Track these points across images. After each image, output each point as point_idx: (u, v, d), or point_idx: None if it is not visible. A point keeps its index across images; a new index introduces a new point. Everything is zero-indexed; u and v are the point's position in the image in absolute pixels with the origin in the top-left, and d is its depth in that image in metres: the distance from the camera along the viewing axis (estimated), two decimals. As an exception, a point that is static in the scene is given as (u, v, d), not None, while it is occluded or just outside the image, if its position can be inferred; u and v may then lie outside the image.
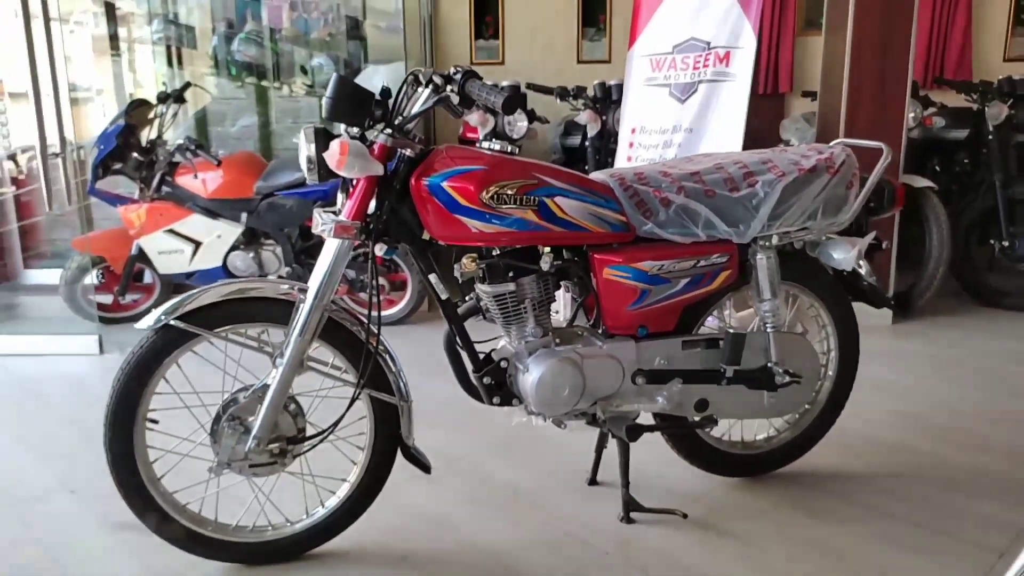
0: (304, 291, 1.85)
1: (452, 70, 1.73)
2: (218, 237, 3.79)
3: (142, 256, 3.90)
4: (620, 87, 4.28)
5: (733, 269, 2.05)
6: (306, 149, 1.80)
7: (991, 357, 3.50)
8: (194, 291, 1.83)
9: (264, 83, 4.78)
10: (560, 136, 4.76)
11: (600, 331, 2.08)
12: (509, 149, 1.91)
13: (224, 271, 3.83)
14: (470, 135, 4.48)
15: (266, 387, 1.86)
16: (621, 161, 3.98)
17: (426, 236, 1.90)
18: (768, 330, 2.13)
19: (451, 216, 1.82)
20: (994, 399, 3.02)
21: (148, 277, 4.22)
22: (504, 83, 4.15)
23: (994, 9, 5.77)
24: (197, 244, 3.81)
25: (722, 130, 3.57)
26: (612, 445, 2.26)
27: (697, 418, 2.17)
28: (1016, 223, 4.23)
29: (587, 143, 4.37)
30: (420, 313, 4.13)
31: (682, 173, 2.02)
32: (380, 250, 1.90)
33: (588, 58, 5.91)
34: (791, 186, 2.00)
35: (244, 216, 3.76)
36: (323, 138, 1.78)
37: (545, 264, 1.96)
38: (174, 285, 4.22)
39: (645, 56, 3.91)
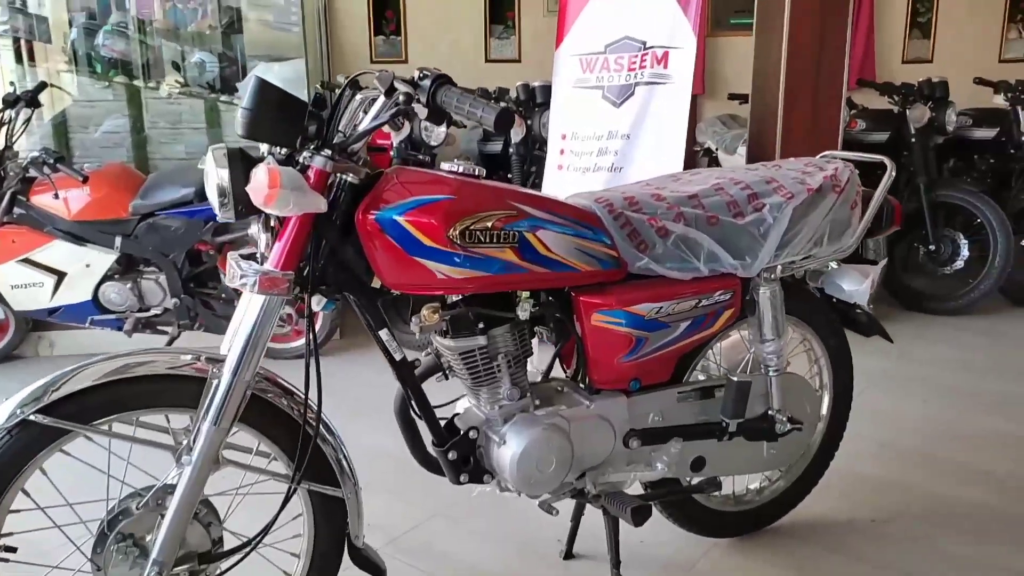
0: (216, 362, 1.41)
1: (418, 74, 1.34)
2: (86, 266, 3.18)
3: (-10, 290, 3.24)
4: (545, 89, 3.95)
5: (736, 307, 1.76)
6: (216, 177, 1.36)
7: (939, 368, 3.41)
8: (63, 373, 1.36)
9: (136, 82, 4.14)
10: (479, 142, 4.39)
11: (583, 385, 1.74)
12: (476, 171, 1.54)
13: (95, 305, 3.23)
14: (380, 142, 4.04)
15: (167, 490, 1.41)
16: (551, 170, 3.66)
17: (376, 284, 1.49)
18: (771, 374, 1.85)
19: (409, 259, 1.43)
20: (965, 418, 2.89)
21: (1, 313, 3.55)
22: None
23: (892, 11, 5.86)
24: (60, 275, 3.19)
25: (662, 136, 3.30)
26: (590, 511, 1.92)
27: (694, 480, 1.87)
28: (939, 226, 4.21)
29: (511, 150, 4.02)
30: (333, 343, 3.66)
31: (678, 196, 1.70)
32: (318, 304, 1.47)
33: (497, 56, 5.57)
34: (799, 209, 1.73)
35: (118, 240, 3.17)
36: (241, 163, 1.35)
37: (524, 312, 1.60)
38: (33, 322, 3.57)
39: (574, 56, 3.60)
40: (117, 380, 1.37)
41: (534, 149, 4.02)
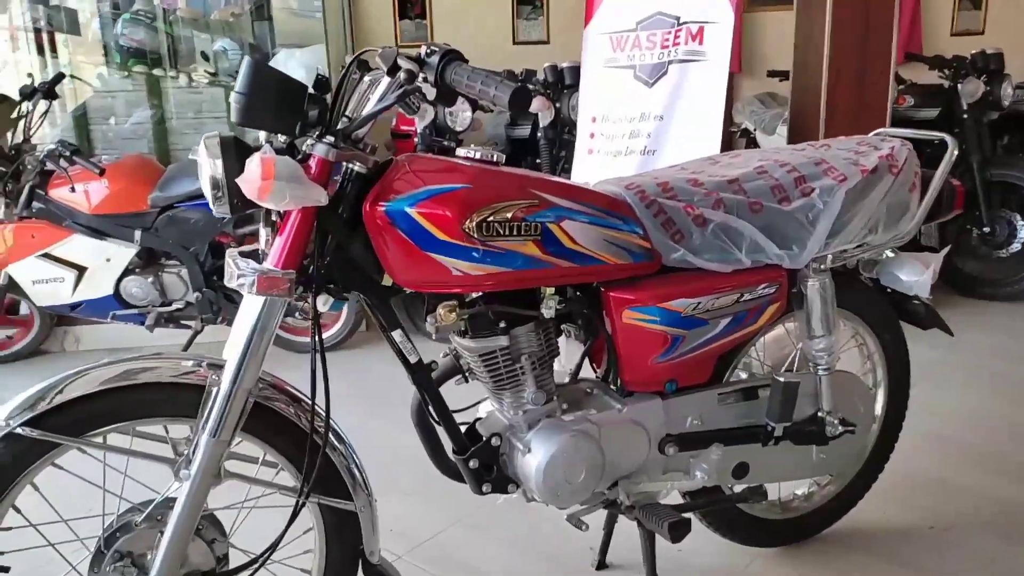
0: (217, 369, 1.31)
1: (425, 50, 1.21)
2: (107, 261, 3.12)
3: (13, 286, 3.20)
4: (574, 70, 3.79)
5: (782, 300, 1.61)
6: (210, 168, 1.25)
7: (996, 357, 3.21)
8: (57, 380, 1.27)
9: (156, 72, 4.07)
10: (506, 126, 4.24)
11: (615, 386, 1.61)
12: (494, 157, 1.41)
13: (116, 300, 3.17)
14: (404, 128, 3.93)
15: (167, 504, 1.31)
16: (581, 154, 3.51)
17: (387, 281, 1.38)
18: (820, 373, 1.70)
19: (423, 254, 1.31)
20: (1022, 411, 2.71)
21: (25, 307, 3.53)
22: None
23: (941, -18, 5.57)
24: (81, 270, 3.13)
25: (698, 117, 3.14)
26: (623, 519, 1.79)
27: (737, 488, 1.73)
28: (994, 207, 3.98)
29: (539, 134, 3.87)
30: (359, 334, 3.57)
31: (717, 181, 1.56)
32: (324, 304, 1.36)
33: (525, 39, 5.40)
34: (853, 192, 1.57)
35: (138, 234, 3.11)
36: (234, 153, 1.24)
37: (548, 310, 1.47)
38: (58, 317, 3.55)
39: (604, 34, 3.44)
40: (112, 389, 1.28)
41: (563, 133, 3.87)
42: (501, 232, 1.33)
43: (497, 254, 1.34)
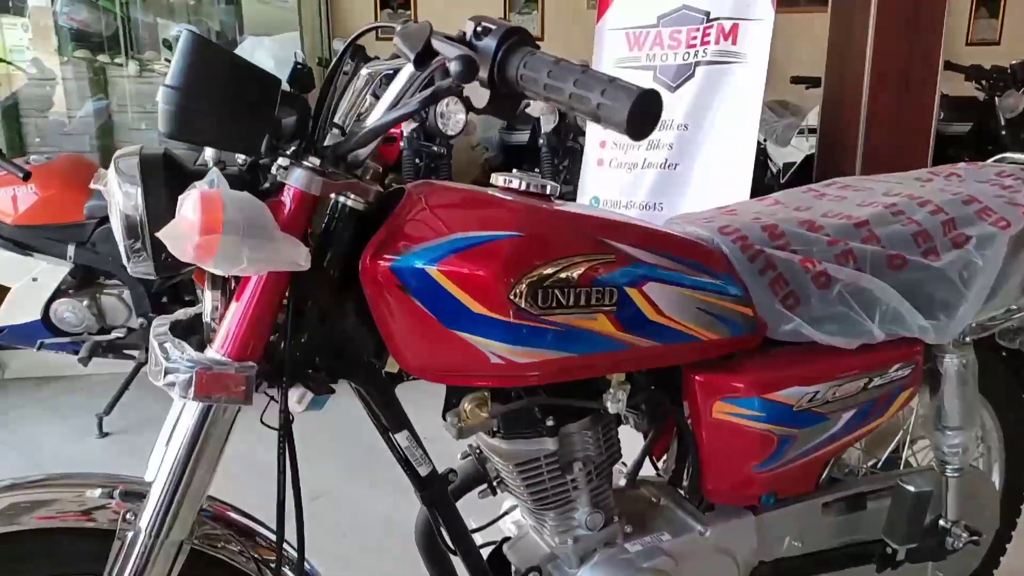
0: (135, 499, 0.86)
1: (474, 28, 0.77)
2: (33, 280, 2.64)
3: (-79, 307, 2.70)
4: (582, 69, 3.38)
5: (916, 384, 1.21)
6: (122, 203, 0.80)
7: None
8: None
9: (102, 58, 3.56)
10: (501, 130, 3.81)
11: (688, 494, 1.20)
12: (547, 189, 0.98)
13: (45, 326, 2.69)
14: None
15: None
16: (589, 166, 3.10)
17: (392, 367, 0.95)
18: (950, 474, 1.30)
19: (447, 332, 0.88)
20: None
21: (-60, 330, 3.02)
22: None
23: (957, -10, 5.27)
24: (3, 291, 2.65)
25: (729, 127, 2.76)
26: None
27: (839, 622, 1.32)
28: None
29: (540, 140, 3.45)
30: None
31: (840, 224, 1.15)
32: (299, 401, 0.92)
33: (518, 34, 4.98)
34: (1014, 242, 1.18)
35: (71, 249, 2.63)
36: (164, 179, 0.79)
37: (615, 403, 1.05)
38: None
39: (620, 30, 3.03)
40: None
41: (568, 140, 3.45)
42: (563, 301, 0.91)
43: (554, 333, 0.91)
